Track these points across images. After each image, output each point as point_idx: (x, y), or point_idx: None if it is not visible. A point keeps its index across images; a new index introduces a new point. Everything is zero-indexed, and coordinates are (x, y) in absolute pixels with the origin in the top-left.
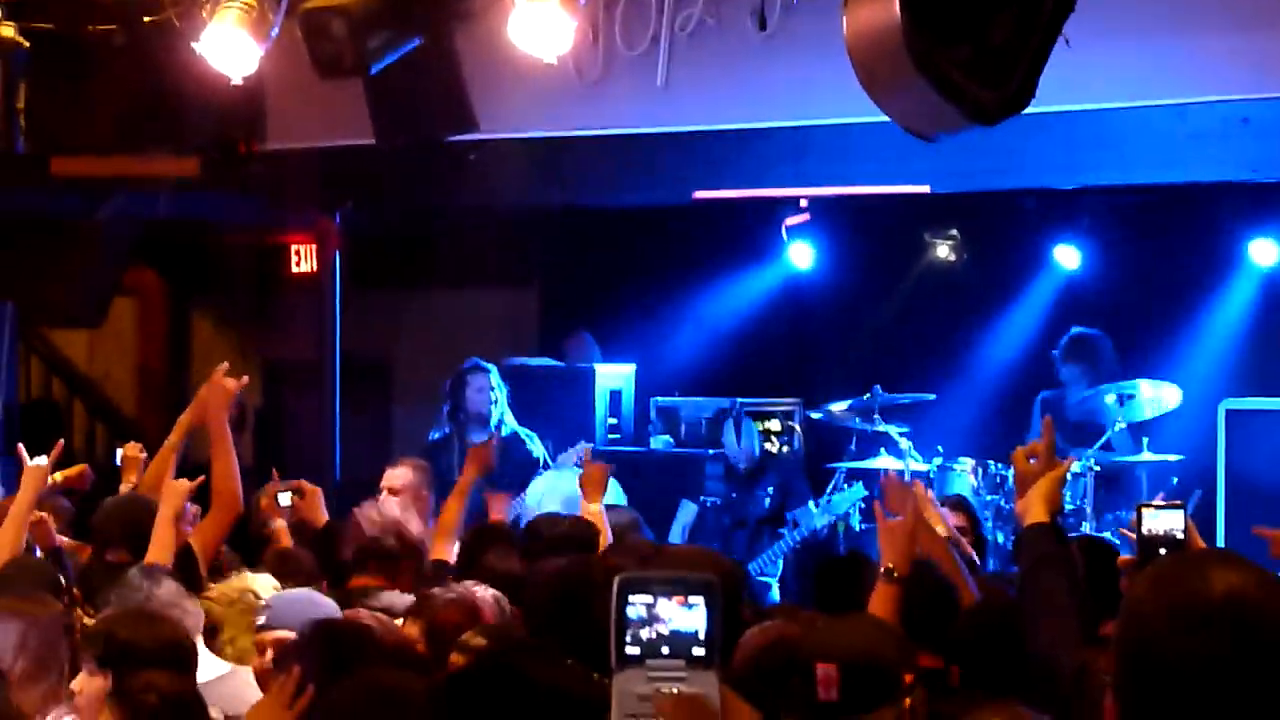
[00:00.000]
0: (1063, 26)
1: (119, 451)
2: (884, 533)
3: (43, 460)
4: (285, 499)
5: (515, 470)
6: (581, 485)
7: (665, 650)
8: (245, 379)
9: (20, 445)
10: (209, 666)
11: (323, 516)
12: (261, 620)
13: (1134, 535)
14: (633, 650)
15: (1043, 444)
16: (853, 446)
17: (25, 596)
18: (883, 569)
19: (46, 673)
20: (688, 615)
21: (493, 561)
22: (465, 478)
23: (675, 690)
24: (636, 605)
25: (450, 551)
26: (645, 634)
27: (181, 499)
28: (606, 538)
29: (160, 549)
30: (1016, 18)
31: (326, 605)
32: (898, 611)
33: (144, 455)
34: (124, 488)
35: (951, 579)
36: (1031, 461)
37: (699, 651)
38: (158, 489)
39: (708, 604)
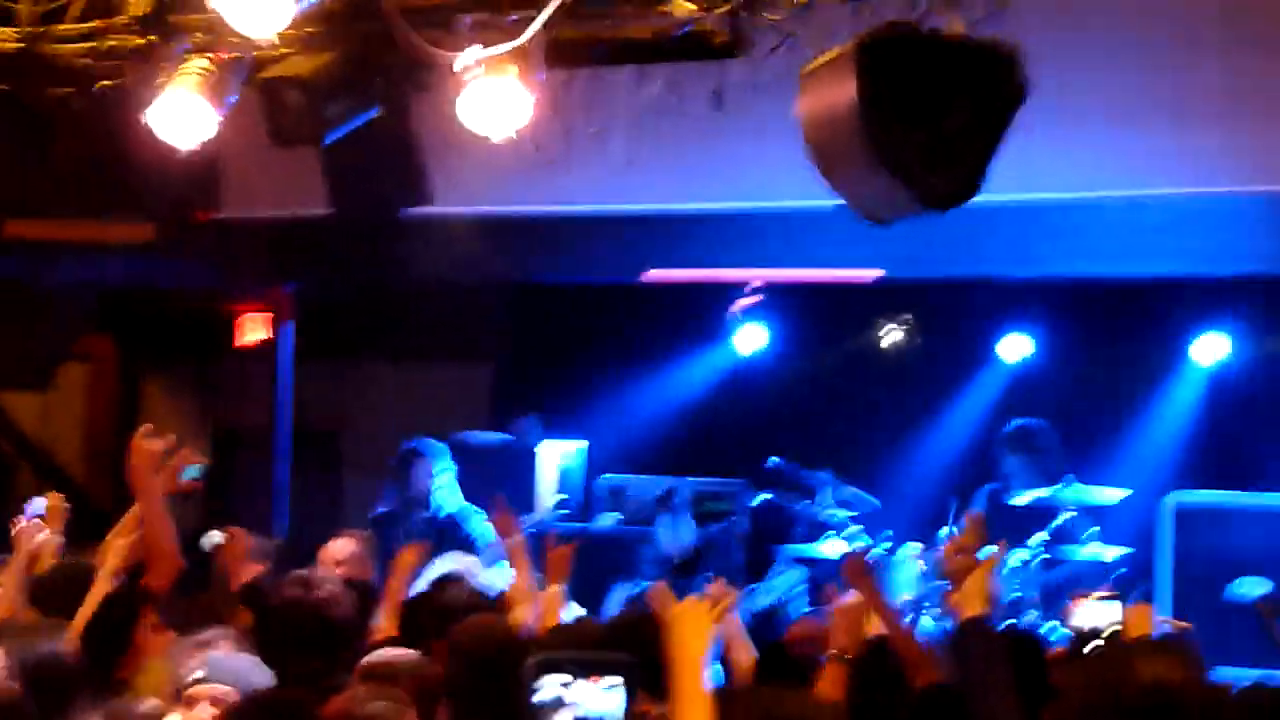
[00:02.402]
0: (1014, 117)
1: (38, 500)
2: (837, 613)
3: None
4: (212, 540)
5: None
6: (545, 567)
7: None
8: (172, 438)
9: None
10: None
11: (246, 570)
12: (199, 674)
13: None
14: None
15: (968, 540)
16: (799, 529)
17: None
18: (832, 650)
19: None
20: (604, 698)
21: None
22: (399, 574)
23: None
24: (550, 688)
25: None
26: (558, 717)
27: (124, 556)
28: (557, 620)
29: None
30: (971, 106)
31: (265, 675)
32: (846, 692)
33: (66, 505)
34: (45, 536)
35: (908, 657)
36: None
37: None
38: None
39: (626, 685)
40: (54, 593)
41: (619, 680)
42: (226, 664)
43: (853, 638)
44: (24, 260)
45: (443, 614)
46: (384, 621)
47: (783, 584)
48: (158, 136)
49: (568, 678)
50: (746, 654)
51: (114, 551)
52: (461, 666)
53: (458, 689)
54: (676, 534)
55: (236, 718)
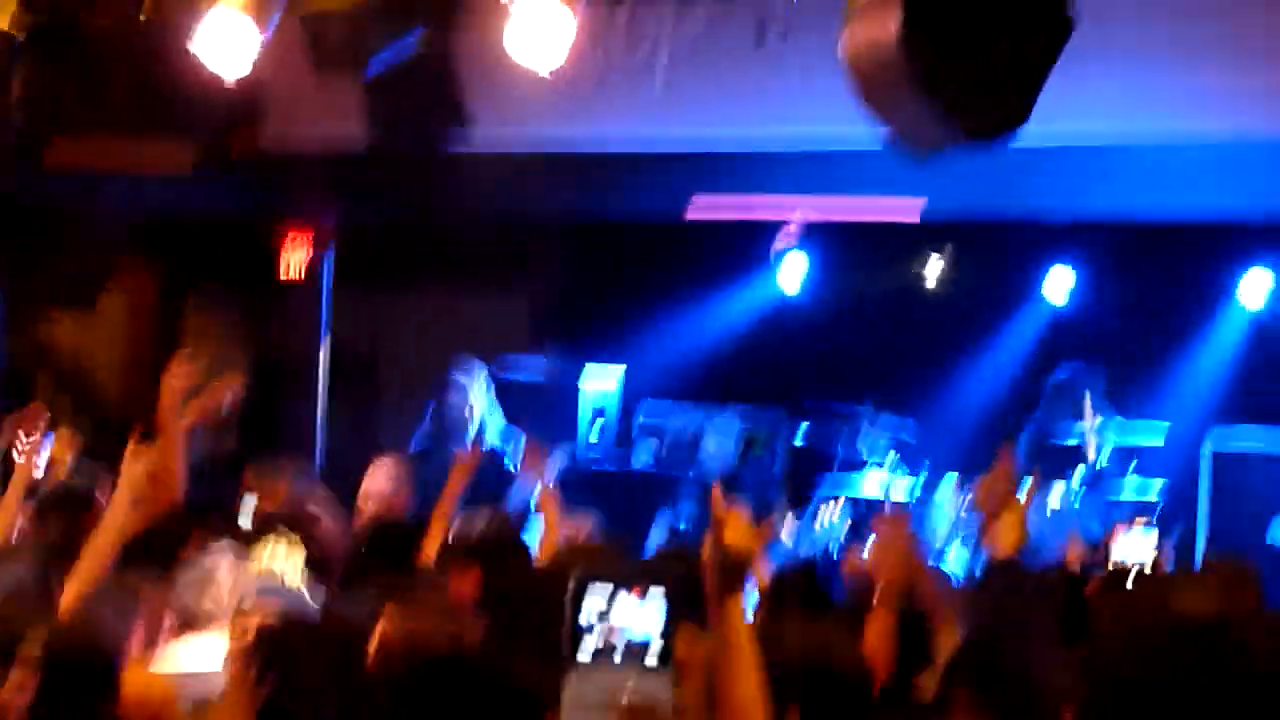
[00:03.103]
0: (1060, 51)
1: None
2: (878, 554)
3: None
4: (248, 507)
5: (492, 484)
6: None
7: (619, 655)
8: (201, 369)
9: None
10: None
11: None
12: (249, 604)
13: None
14: (586, 652)
15: (1000, 479)
16: (839, 459)
17: None
18: (879, 593)
19: None
20: (643, 614)
21: None
22: (452, 487)
23: (626, 699)
24: (592, 604)
25: None
26: (599, 636)
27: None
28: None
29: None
30: (1015, 40)
31: (311, 607)
32: (896, 639)
33: (78, 435)
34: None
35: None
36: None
37: (653, 656)
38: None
39: (667, 597)
40: (54, 512)
41: (660, 592)
42: (278, 586)
43: (899, 581)
44: (67, 184)
45: (472, 544)
46: (429, 546)
47: (824, 536)
48: (201, 62)
49: (609, 590)
50: (766, 575)
51: (130, 479)
52: (495, 592)
53: (495, 612)
54: (722, 447)
55: (273, 635)
